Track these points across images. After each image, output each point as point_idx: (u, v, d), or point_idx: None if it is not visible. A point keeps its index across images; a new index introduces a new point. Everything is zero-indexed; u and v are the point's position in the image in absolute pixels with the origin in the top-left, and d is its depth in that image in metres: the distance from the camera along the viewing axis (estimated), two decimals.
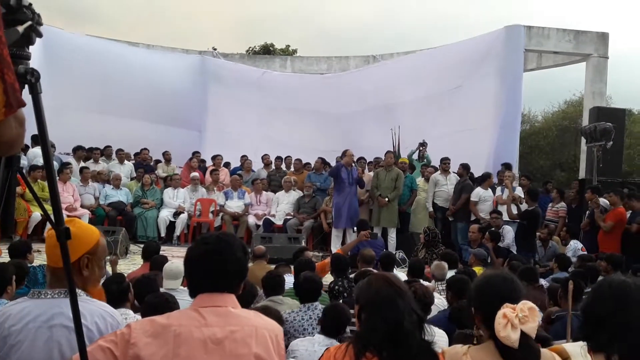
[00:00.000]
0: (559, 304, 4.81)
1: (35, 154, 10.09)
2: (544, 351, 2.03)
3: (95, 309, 2.11)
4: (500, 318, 1.95)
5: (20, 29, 1.53)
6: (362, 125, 14.43)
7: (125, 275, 4.47)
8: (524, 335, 1.94)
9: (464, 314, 3.79)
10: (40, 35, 1.60)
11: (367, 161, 11.85)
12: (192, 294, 2.01)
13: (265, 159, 12.96)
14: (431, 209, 10.51)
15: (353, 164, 10.05)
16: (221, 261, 1.97)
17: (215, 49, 18.51)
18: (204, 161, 12.93)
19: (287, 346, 3.45)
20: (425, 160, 11.86)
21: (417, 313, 2.12)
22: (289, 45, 31.17)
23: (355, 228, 9.25)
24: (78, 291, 2.07)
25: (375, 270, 5.36)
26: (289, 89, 15.26)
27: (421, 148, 12.00)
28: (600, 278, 4.73)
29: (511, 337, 1.92)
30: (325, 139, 14.42)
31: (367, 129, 14.21)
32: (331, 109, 14.78)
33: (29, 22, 1.55)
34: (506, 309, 1.96)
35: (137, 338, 1.83)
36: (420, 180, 10.99)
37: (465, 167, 10.44)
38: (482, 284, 2.19)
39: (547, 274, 7.13)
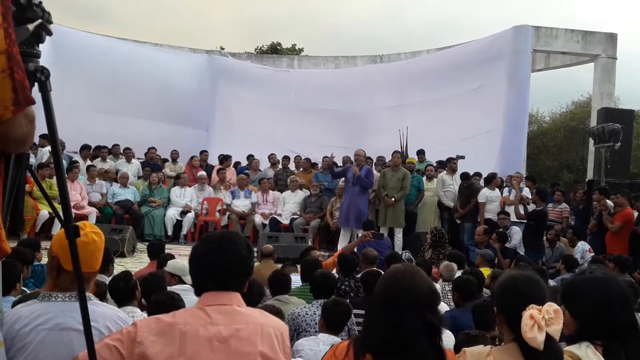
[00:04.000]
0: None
1: (47, 153, 10.12)
2: (565, 356, 2.02)
3: (107, 313, 2.10)
4: (527, 319, 1.92)
5: (31, 27, 1.53)
6: (370, 124, 14.44)
7: (133, 273, 4.48)
8: (548, 337, 1.92)
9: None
10: (50, 33, 1.61)
11: (373, 161, 11.82)
12: (198, 293, 2.01)
13: (272, 158, 12.95)
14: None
15: (364, 164, 10.03)
16: (226, 259, 1.97)
17: (223, 48, 18.45)
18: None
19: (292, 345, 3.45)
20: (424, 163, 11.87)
21: (426, 318, 1.89)
22: (295, 45, 31.13)
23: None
24: (89, 295, 2.08)
25: (382, 272, 5.33)
26: (300, 86, 15.24)
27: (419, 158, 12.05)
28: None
29: (538, 338, 1.90)
30: (336, 137, 14.43)
31: (375, 129, 14.22)
32: (341, 106, 14.82)
33: (39, 20, 1.56)
34: (533, 310, 1.94)
35: (143, 336, 1.83)
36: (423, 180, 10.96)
37: (465, 177, 10.33)
38: (508, 284, 2.16)
39: (554, 275, 7.12)
